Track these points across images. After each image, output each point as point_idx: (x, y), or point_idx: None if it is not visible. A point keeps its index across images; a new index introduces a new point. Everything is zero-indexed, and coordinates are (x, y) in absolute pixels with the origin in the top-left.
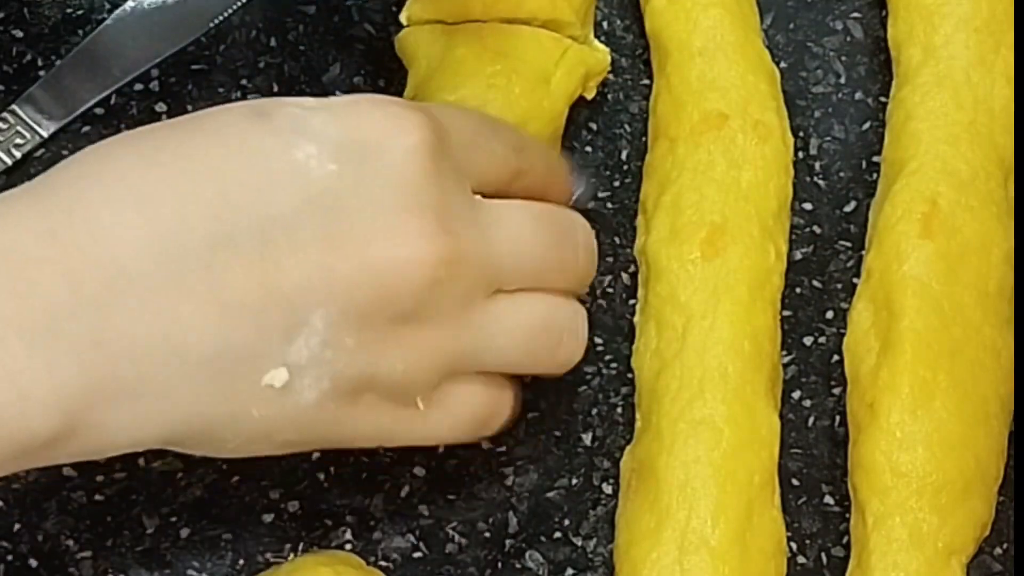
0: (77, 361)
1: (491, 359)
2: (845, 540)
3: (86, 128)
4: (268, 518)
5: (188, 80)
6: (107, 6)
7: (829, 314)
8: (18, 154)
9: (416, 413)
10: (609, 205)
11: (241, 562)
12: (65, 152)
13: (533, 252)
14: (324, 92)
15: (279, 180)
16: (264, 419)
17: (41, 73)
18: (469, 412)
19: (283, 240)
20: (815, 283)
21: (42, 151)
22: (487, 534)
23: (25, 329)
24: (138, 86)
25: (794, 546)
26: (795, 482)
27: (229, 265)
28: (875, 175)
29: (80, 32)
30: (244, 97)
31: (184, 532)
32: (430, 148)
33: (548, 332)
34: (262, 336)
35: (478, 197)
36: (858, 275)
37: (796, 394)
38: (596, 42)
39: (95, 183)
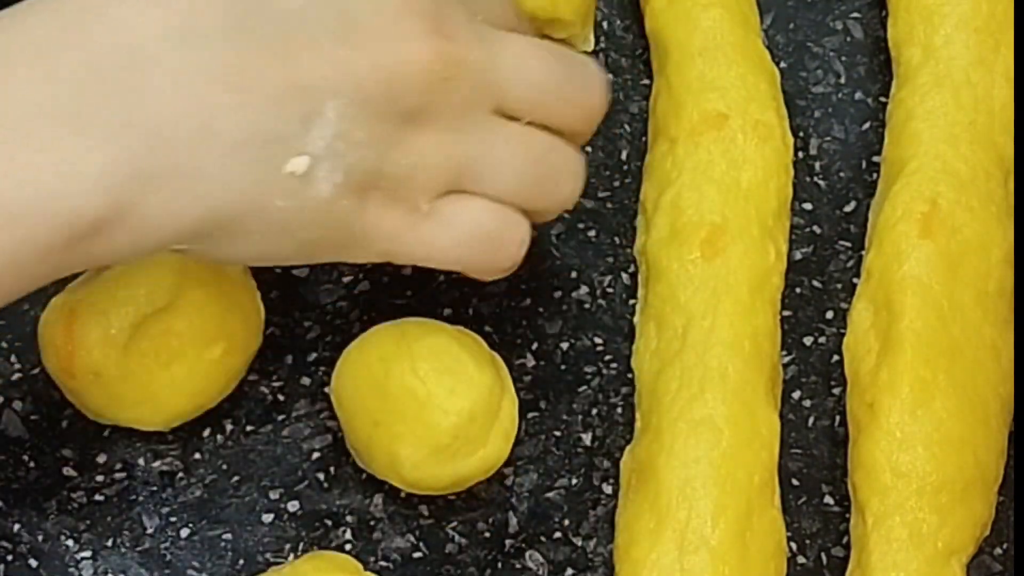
0: (114, 142)
1: (491, 177)
2: (845, 540)
3: None
4: (268, 518)
5: None
6: None
7: (829, 314)
8: None
9: (421, 219)
10: (609, 205)
11: (241, 562)
12: None
13: (539, 79)
14: None
15: None
16: (286, 210)
17: None
18: (474, 229)
19: (296, 32)
20: (815, 283)
21: None
22: (487, 534)
23: (59, 113)
24: None
25: (794, 546)
26: (795, 482)
27: (248, 54)
28: (875, 175)
29: None
30: None
31: (184, 532)
32: None
33: (549, 166)
34: (284, 123)
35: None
36: (858, 275)
37: (796, 394)
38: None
39: None
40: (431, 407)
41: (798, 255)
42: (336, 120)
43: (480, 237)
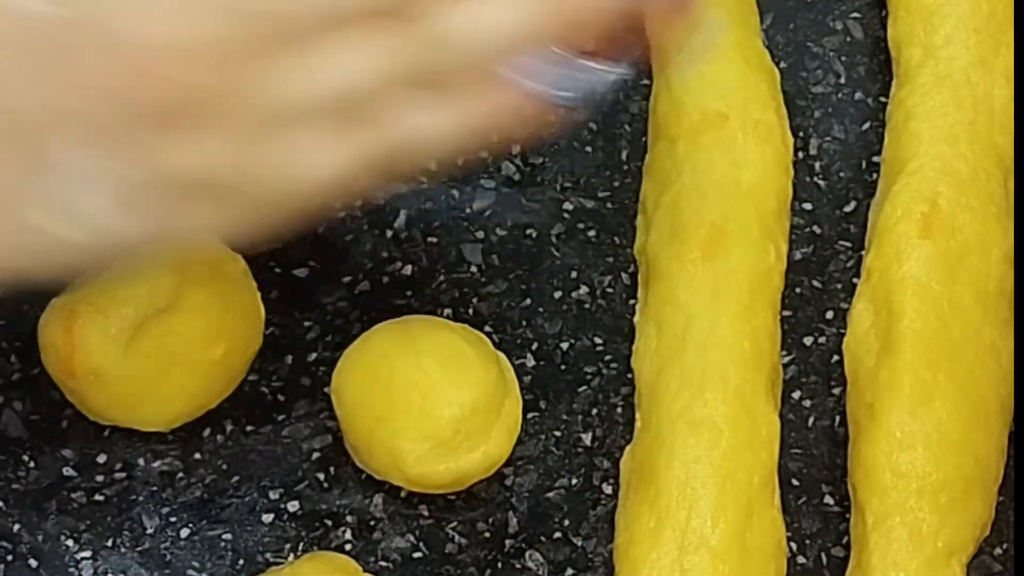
0: None
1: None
2: (845, 540)
3: None
4: (268, 518)
5: None
6: None
7: (829, 314)
8: None
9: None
10: (609, 205)
11: (241, 562)
12: None
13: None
14: None
15: None
16: (90, 245)
17: None
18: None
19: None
20: (815, 283)
21: None
22: (487, 534)
23: None
24: None
25: (794, 546)
26: (795, 482)
27: None
28: (875, 175)
29: None
30: None
31: (184, 532)
32: None
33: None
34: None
35: None
36: (858, 275)
37: (796, 394)
38: None
39: None
40: (434, 398)
41: (798, 255)
42: (64, 155)
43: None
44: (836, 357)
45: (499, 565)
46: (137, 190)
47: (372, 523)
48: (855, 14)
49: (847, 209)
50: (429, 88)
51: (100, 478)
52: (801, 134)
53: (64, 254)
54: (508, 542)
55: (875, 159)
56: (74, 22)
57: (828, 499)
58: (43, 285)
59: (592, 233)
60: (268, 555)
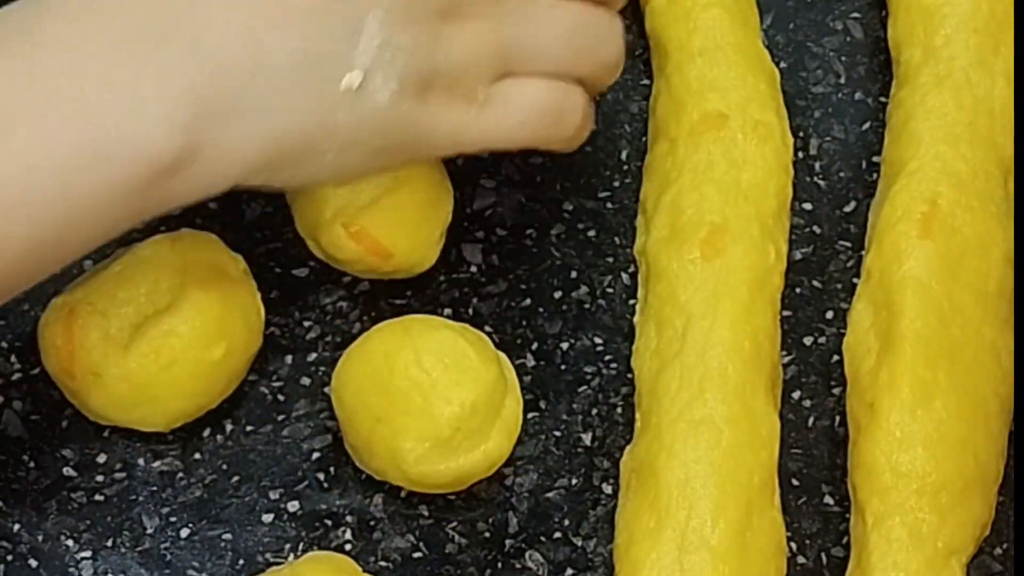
0: (180, 81)
1: (536, 55)
2: (845, 540)
3: None
4: (268, 518)
5: None
6: None
7: (829, 314)
8: None
9: (481, 108)
10: (609, 205)
11: (241, 562)
12: None
13: None
14: None
15: None
16: (351, 125)
17: None
18: (533, 105)
19: None
20: (815, 283)
21: None
22: (487, 534)
23: (125, 54)
24: None
25: (794, 546)
26: (795, 482)
27: None
28: (875, 175)
29: None
30: None
31: (184, 532)
32: None
33: (587, 33)
34: (330, 43)
35: None
36: (858, 275)
37: (796, 394)
38: None
39: None
40: (434, 397)
41: (798, 255)
42: (379, 30)
43: (540, 112)
44: (836, 357)
45: (499, 565)
46: (420, 71)
47: (372, 523)
48: (855, 14)
49: (847, 209)
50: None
51: (100, 478)
52: (801, 134)
53: (350, 138)
54: (508, 542)
55: (875, 159)
56: None
57: (828, 499)
58: (43, 285)
59: (592, 233)
60: (268, 555)
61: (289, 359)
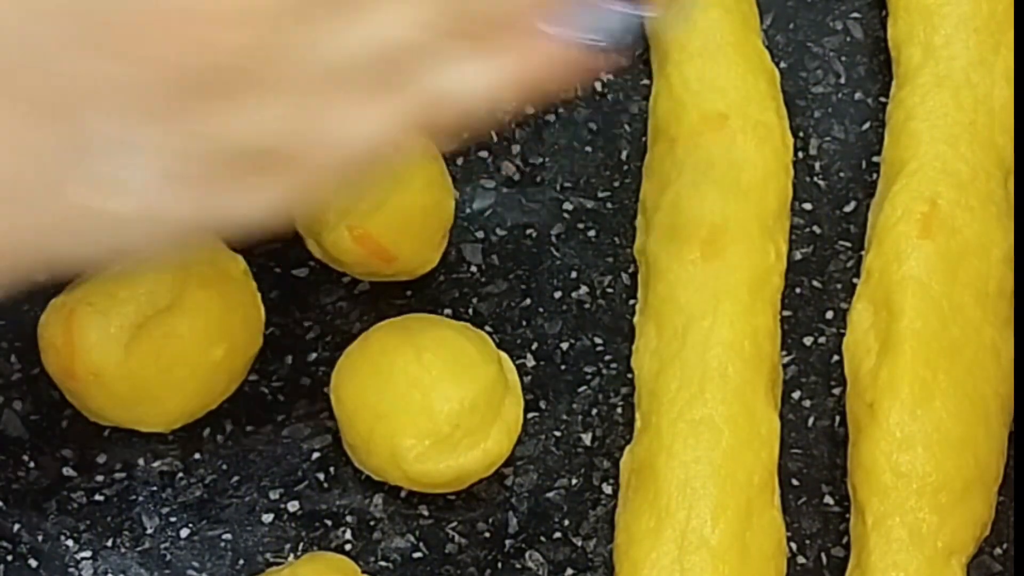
0: None
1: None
2: (845, 540)
3: None
4: (268, 518)
5: None
6: None
7: (829, 314)
8: None
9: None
10: (609, 205)
11: (241, 562)
12: None
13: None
14: None
15: None
16: (136, 221)
17: None
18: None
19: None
20: (815, 283)
21: None
22: (487, 534)
23: None
24: None
25: (794, 546)
26: (795, 482)
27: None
28: (875, 175)
29: None
30: None
31: (184, 532)
32: None
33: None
34: (52, 154)
35: None
36: (858, 275)
37: (796, 394)
38: None
39: None
40: (434, 394)
41: (798, 255)
42: (113, 132)
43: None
44: (836, 357)
45: (499, 565)
46: (186, 162)
47: (372, 523)
48: (855, 14)
49: (847, 209)
50: (468, 40)
51: (100, 478)
52: (801, 134)
53: (113, 235)
54: (508, 542)
55: (875, 159)
56: None
57: (828, 499)
58: (43, 285)
59: (592, 233)
60: (268, 555)
61: (289, 359)
